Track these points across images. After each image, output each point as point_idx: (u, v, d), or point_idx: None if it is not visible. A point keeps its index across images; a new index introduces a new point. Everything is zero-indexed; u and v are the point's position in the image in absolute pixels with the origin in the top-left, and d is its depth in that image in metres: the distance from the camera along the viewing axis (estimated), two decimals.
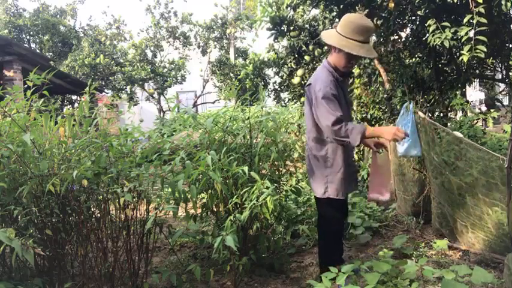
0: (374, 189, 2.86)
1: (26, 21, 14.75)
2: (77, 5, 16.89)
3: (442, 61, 4.39)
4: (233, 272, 2.73)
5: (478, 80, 8.14)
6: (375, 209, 4.07)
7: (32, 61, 7.93)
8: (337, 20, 4.12)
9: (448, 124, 4.18)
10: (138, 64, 15.50)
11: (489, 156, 2.65)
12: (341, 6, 4.25)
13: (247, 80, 12.61)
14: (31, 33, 15.15)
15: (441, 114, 4.36)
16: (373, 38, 4.73)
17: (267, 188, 2.45)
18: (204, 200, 2.96)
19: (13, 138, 2.52)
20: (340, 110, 2.48)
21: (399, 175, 4.06)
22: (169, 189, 2.61)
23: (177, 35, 16.29)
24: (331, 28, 2.77)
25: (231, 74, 15.86)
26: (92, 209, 2.69)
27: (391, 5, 3.70)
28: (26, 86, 2.87)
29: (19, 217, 2.39)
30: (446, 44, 3.26)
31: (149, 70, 15.34)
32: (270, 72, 13.01)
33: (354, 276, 2.42)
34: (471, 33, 3.19)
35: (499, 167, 2.57)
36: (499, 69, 4.73)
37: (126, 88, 15.50)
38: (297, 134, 5.78)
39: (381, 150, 2.83)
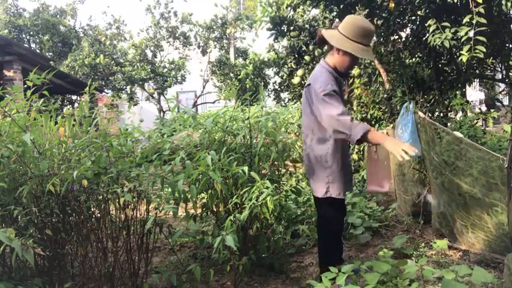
0: (374, 182, 2.85)
1: (26, 21, 14.76)
2: (77, 5, 16.93)
3: (442, 61, 4.39)
4: (233, 272, 2.73)
5: (478, 80, 8.16)
6: (375, 209, 4.06)
7: (32, 61, 7.93)
8: (337, 20, 4.12)
9: (448, 124, 4.19)
10: (138, 64, 15.52)
11: (489, 156, 2.65)
12: (341, 6, 4.26)
13: (247, 80, 12.62)
14: (31, 33, 15.17)
15: (441, 114, 4.37)
16: (373, 38, 4.73)
17: (267, 188, 2.45)
18: (204, 200, 2.96)
19: (13, 138, 2.51)
20: (344, 106, 2.48)
21: (399, 175, 4.06)
22: (169, 189, 2.61)
23: (177, 35, 16.31)
24: (331, 28, 2.76)
25: (231, 74, 15.87)
26: (92, 209, 2.68)
27: (391, 5, 3.71)
28: (26, 86, 2.86)
29: (19, 217, 2.39)
30: (446, 44, 3.27)
31: (149, 70, 15.35)
32: (270, 72, 13.04)
33: (354, 276, 2.41)
34: (471, 33, 3.19)
35: (499, 167, 2.56)
36: (499, 69, 4.74)
37: (126, 88, 15.52)
38: (297, 134, 5.78)
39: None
